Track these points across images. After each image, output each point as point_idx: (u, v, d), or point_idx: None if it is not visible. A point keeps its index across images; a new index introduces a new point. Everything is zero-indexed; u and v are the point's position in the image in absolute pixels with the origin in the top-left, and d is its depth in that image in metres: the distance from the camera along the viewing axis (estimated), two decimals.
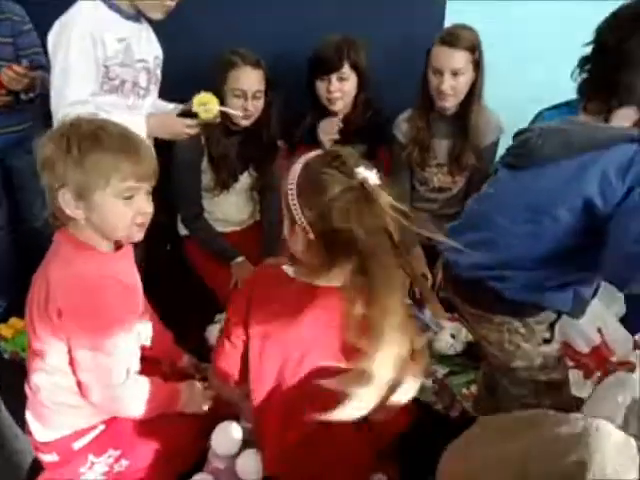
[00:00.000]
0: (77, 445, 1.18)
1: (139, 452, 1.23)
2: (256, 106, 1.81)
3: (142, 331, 1.26)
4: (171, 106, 1.64)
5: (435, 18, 2.24)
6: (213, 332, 1.64)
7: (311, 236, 0.95)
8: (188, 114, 1.51)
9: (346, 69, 1.86)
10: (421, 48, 1.88)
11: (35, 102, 1.73)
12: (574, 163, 1.03)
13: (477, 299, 1.20)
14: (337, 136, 1.92)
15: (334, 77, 1.86)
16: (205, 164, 1.88)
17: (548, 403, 1.16)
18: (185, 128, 1.50)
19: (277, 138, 1.96)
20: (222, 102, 1.73)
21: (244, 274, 1.84)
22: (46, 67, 1.62)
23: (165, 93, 1.75)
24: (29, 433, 1.21)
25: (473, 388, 1.67)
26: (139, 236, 1.12)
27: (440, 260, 1.43)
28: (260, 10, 2.04)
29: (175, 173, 1.87)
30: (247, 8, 2.04)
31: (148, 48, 1.56)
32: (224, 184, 1.91)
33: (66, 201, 1.03)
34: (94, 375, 1.10)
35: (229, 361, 1.14)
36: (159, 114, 1.55)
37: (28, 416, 1.20)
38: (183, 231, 2.03)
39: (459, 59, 1.77)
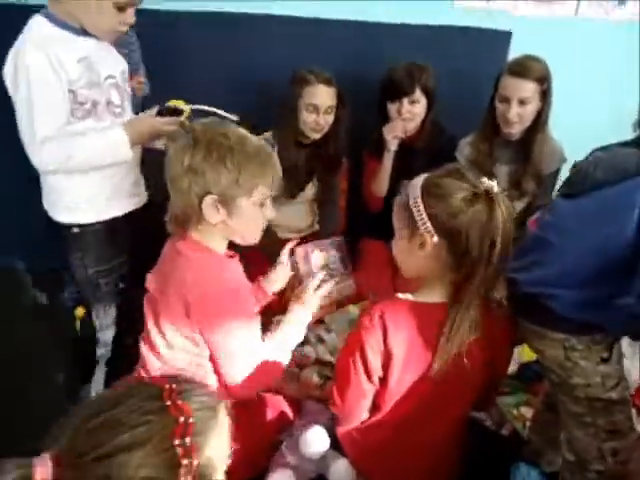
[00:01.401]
0: None
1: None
2: (327, 121, 1.93)
3: None
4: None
5: (500, 49, 2.33)
6: None
7: (435, 239, 1.06)
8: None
9: (417, 93, 1.96)
10: (486, 77, 1.96)
11: None
12: (629, 184, 1.08)
13: (535, 315, 1.24)
14: (402, 135, 2.01)
15: (406, 100, 1.96)
16: None
17: (603, 422, 1.19)
18: (164, 126, 1.41)
19: (343, 153, 2.07)
20: (296, 115, 1.90)
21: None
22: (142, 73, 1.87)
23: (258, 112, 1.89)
24: None
25: (523, 410, 1.69)
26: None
27: (503, 278, 1.48)
28: (338, 33, 2.18)
29: None
30: (327, 32, 2.18)
31: (113, 63, 1.46)
32: (291, 193, 2.02)
33: (210, 206, 1.10)
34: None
35: (362, 402, 1.22)
36: (133, 120, 1.45)
37: None
38: None
39: (527, 89, 1.83)
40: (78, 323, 1.91)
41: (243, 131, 1.16)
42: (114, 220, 1.51)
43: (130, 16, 1.35)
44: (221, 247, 1.21)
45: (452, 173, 1.09)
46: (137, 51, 1.92)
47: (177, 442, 0.66)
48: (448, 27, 2.25)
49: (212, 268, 1.15)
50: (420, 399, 1.18)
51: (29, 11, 1.32)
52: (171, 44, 2.04)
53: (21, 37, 1.27)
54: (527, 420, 1.64)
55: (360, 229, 2.23)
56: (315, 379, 1.57)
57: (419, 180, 1.11)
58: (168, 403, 0.68)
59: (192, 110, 1.43)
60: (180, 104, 1.43)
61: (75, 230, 1.46)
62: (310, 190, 2.11)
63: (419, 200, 1.07)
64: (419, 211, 1.07)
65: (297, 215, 2.15)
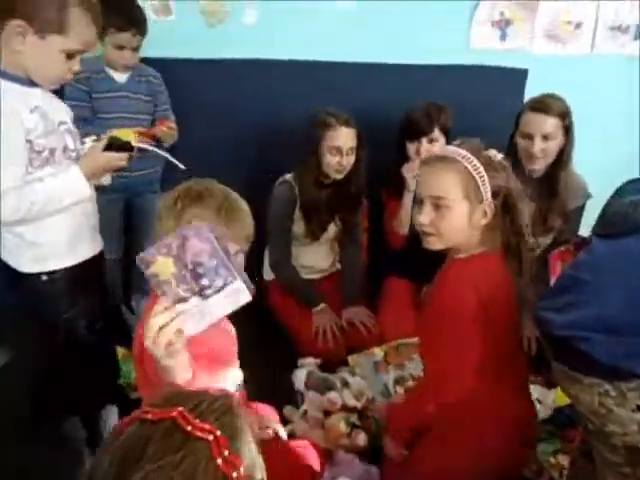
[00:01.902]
0: None
1: None
2: (349, 161, 1.94)
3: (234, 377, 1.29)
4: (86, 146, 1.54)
5: (517, 87, 2.35)
6: (300, 376, 1.69)
7: (492, 207, 1.18)
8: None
9: (436, 132, 1.96)
10: (503, 115, 1.97)
11: None
12: None
13: (568, 358, 1.19)
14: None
15: (425, 140, 1.96)
16: (297, 214, 2.01)
17: None
18: (120, 162, 1.40)
19: (363, 192, 2.07)
20: (319, 157, 1.92)
21: (325, 321, 1.93)
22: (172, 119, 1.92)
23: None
24: None
25: (560, 458, 1.61)
26: None
27: (533, 318, 1.44)
28: (356, 76, 2.21)
29: (269, 221, 2.00)
30: (345, 75, 2.21)
31: (62, 109, 1.44)
32: (314, 234, 2.03)
33: None
34: None
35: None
36: (87, 156, 1.41)
37: None
38: (268, 276, 2.13)
39: (550, 124, 1.82)
40: None
41: (216, 185, 1.15)
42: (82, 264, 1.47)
43: (76, 63, 1.32)
44: None
45: (479, 146, 1.21)
46: (165, 97, 1.97)
47: (220, 461, 0.63)
48: (465, 66, 2.27)
49: None
50: None
51: None
52: (195, 90, 2.10)
53: None
54: (564, 468, 1.55)
55: (383, 267, 2.19)
56: (342, 427, 1.51)
57: (468, 151, 1.18)
58: (188, 429, 0.64)
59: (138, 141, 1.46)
60: (127, 135, 1.42)
61: (44, 278, 1.42)
62: (332, 230, 2.10)
63: (482, 170, 1.16)
64: (484, 182, 1.16)
65: (319, 255, 2.14)
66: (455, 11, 2.23)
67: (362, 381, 1.70)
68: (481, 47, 2.29)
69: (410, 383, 1.72)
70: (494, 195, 1.17)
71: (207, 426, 0.65)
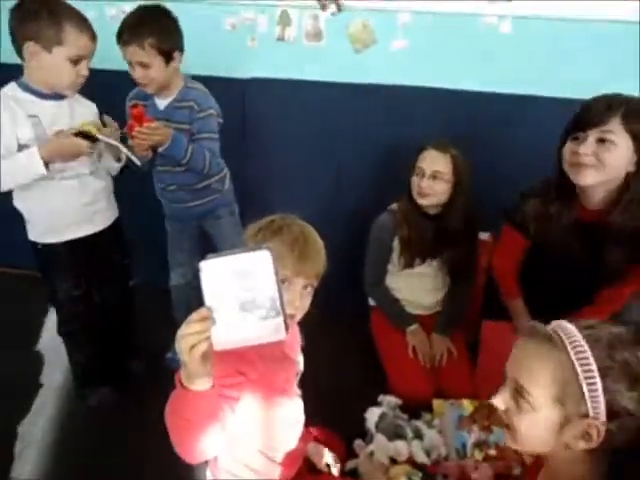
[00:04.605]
0: None
1: None
2: (432, 186, 1.85)
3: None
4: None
5: None
6: (374, 414, 1.65)
7: (602, 431, 0.85)
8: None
9: (614, 126, 1.40)
10: None
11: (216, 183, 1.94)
12: None
13: None
14: None
15: (592, 133, 1.42)
16: (396, 243, 1.98)
17: None
18: (86, 149, 1.58)
19: (459, 226, 1.91)
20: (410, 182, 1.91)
21: (418, 341, 1.94)
22: (211, 149, 1.81)
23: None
24: None
25: None
26: None
27: None
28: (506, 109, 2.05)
29: (368, 246, 2.03)
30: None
31: (70, 120, 1.64)
32: (407, 263, 1.97)
33: None
34: None
35: None
36: (51, 140, 1.58)
37: (208, 474, 1.33)
38: (372, 302, 2.13)
39: None
40: None
41: (297, 222, 1.17)
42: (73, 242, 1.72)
43: (84, 68, 1.59)
44: None
45: (618, 339, 0.87)
46: (202, 123, 1.81)
47: None
48: None
49: None
50: None
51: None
52: (312, 112, 2.17)
53: None
54: None
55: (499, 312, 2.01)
56: None
57: (589, 340, 0.87)
58: None
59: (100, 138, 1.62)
60: (91, 128, 1.60)
61: (39, 247, 1.73)
62: (434, 265, 2.00)
63: (596, 376, 0.85)
64: (595, 393, 0.85)
65: (423, 290, 2.05)
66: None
67: (438, 436, 1.60)
68: None
69: (492, 452, 1.58)
70: (612, 416, 0.84)
71: None
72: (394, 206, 1.99)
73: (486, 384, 1.78)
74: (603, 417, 0.84)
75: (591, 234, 1.55)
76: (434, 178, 1.84)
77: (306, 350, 2.18)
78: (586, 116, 1.44)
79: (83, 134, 1.59)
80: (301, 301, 1.14)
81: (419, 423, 1.64)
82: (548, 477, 0.95)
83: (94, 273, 1.83)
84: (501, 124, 2.04)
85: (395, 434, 1.57)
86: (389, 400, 1.72)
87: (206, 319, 0.80)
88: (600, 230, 1.52)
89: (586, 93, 1.52)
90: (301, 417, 1.35)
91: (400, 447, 1.53)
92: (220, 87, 1.94)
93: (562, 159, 1.51)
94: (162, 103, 1.82)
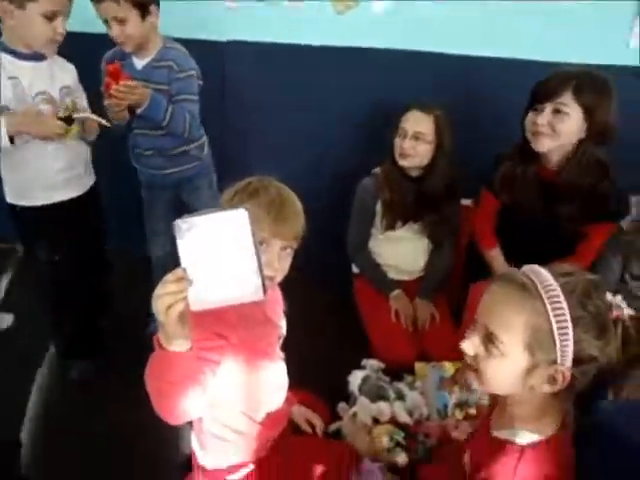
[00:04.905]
0: (230, 479, 1.30)
1: None
2: (414, 147, 1.83)
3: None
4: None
5: None
6: (357, 377, 1.67)
7: (567, 376, 0.88)
8: None
9: (567, 99, 1.55)
10: None
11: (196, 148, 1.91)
12: None
13: None
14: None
15: (549, 106, 1.58)
16: (379, 206, 1.98)
17: None
18: (56, 129, 1.56)
19: (449, 188, 1.91)
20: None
21: (401, 305, 1.95)
22: (191, 111, 1.76)
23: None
24: (192, 453, 1.36)
25: None
26: None
27: None
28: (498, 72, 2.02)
29: (352, 210, 2.02)
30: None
31: (50, 81, 1.62)
32: (388, 224, 1.97)
33: None
34: None
35: None
36: (30, 111, 1.57)
37: (193, 438, 1.35)
38: (355, 269, 2.13)
39: None
40: None
41: (274, 184, 1.17)
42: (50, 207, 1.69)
43: (60, 25, 1.56)
44: None
45: (591, 286, 0.88)
46: (182, 84, 1.77)
47: None
48: (623, 68, 1.91)
49: None
50: None
51: None
52: (294, 75, 2.13)
53: None
54: None
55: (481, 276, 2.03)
56: (384, 442, 1.48)
57: (565, 290, 0.87)
58: None
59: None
60: (71, 112, 1.60)
61: (17, 210, 1.72)
62: (414, 228, 2.00)
63: (569, 327, 0.86)
64: (565, 342, 0.86)
65: (405, 255, 2.05)
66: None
67: (419, 397, 1.63)
68: None
69: (471, 411, 1.61)
70: (577, 362, 0.86)
71: None
72: (377, 170, 1.98)
73: None
74: (569, 363, 0.86)
75: (549, 192, 1.70)
76: (416, 139, 1.83)
77: (290, 315, 2.20)
78: (543, 90, 1.61)
79: (63, 118, 1.57)
80: (280, 263, 1.13)
81: (401, 385, 1.66)
82: (507, 412, 0.97)
83: (71, 238, 1.80)
84: (489, 89, 2.02)
85: (378, 396, 1.59)
86: (372, 364, 1.73)
87: (182, 279, 0.79)
88: (557, 188, 1.69)
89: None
90: (284, 380, 1.36)
91: (383, 408, 1.55)
92: (199, 50, 1.87)
93: (525, 128, 1.67)
94: (140, 63, 1.77)
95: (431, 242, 2.04)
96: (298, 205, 1.16)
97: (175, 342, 0.85)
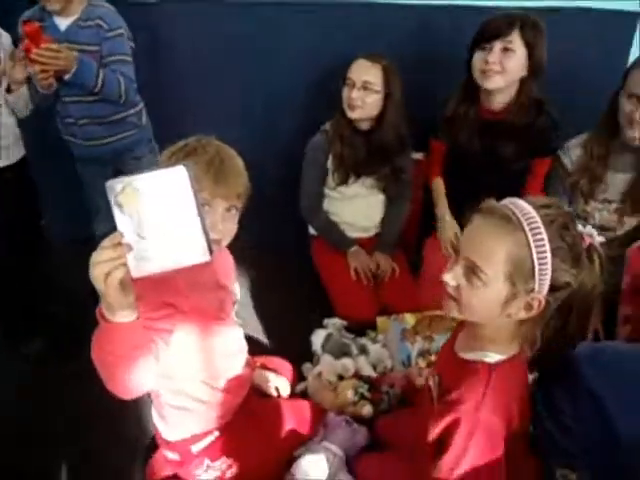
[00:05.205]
0: (195, 448, 1.27)
1: (249, 462, 1.30)
2: (362, 98, 1.77)
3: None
4: None
5: (624, 35, 1.94)
6: (319, 336, 1.67)
7: (543, 303, 0.92)
8: None
9: (514, 38, 1.63)
10: (607, 68, 1.68)
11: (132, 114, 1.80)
12: None
13: None
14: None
15: (498, 44, 1.63)
16: (330, 162, 1.93)
17: None
18: (18, 75, 1.54)
19: (400, 139, 1.88)
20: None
21: (360, 262, 1.93)
22: (125, 74, 1.66)
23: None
24: (155, 429, 1.33)
25: None
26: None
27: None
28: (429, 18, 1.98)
29: (303, 169, 1.96)
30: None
31: None
32: (341, 179, 1.92)
33: None
34: None
35: None
36: None
37: (154, 414, 1.33)
38: (311, 231, 2.09)
39: None
40: None
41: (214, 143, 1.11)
42: None
43: None
44: None
45: (567, 219, 0.91)
46: (112, 44, 1.66)
47: None
48: (565, 8, 1.88)
49: None
50: None
51: None
52: (235, 31, 2.00)
53: None
54: None
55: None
56: (349, 396, 1.49)
57: (545, 223, 0.88)
58: None
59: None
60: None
61: None
62: (371, 183, 1.96)
63: (548, 257, 0.88)
64: (544, 272, 0.88)
65: (360, 211, 2.02)
66: None
67: (382, 350, 1.65)
68: None
69: (433, 358, 1.64)
70: (553, 289, 0.89)
71: None
72: (327, 126, 1.92)
73: (427, 297, 1.84)
74: (546, 291, 0.89)
75: (491, 131, 1.78)
76: (365, 89, 1.77)
77: (249, 281, 2.17)
78: (491, 29, 1.66)
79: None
80: (224, 224, 1.08)
81: (364, 340, 1.68)
82: (477, 336, 1.00)
83: (2, 212, 1.69)
84: (444, 40, 1.96)
85: (341, 352, 1.60)
86: (334, 322, 1.74)
87: (119, 244, 0.75)
88: (497, 128, 1.77)
89: None
90: (242, 345, 1.34)
91: (346, 363, 1.56)
92: (128, 11, 1.74)
93: (471, 68, 1.72)
94: (63, 23, 1.63)
95: (386, 196, 2.02)
96: (239, 163, 1.12)
97: (119, 313, 0.81)
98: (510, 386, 0.96)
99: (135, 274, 0.76)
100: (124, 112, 1.76)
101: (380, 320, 1.80)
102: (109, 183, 0.74)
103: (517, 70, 1.68)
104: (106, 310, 0.81)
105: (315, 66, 2.05)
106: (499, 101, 1.75)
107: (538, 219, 0.87)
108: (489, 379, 0.94)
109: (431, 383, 1.03)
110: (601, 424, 0.99)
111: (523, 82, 1.71)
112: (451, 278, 0.95)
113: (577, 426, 1.04)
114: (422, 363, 1.64)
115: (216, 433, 1.29)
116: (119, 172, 1.87)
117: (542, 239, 0.86)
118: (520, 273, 0.88)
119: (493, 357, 0.96)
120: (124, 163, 1.86)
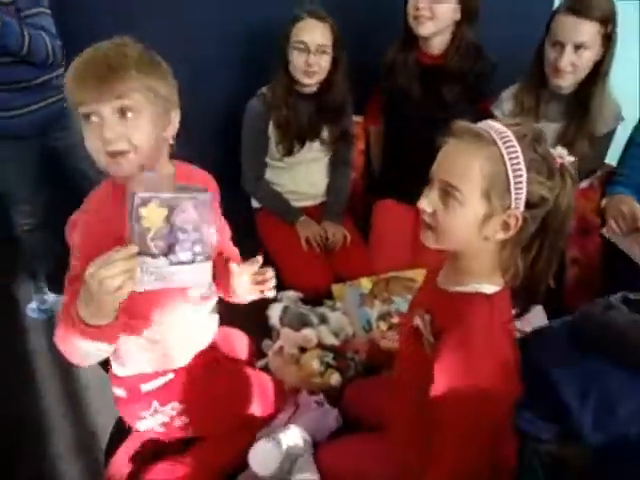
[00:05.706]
0: (145, 388, 1.18)
1: (201, 416, 1.22)
2: (319, 62, 1.68)
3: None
4: None
5: None
6: (276, 310, 1.58)
7: (519, 221, 0.90)
8: None
9: None
10: (535, 16, 1.65)
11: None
12: None
13: None
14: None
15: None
16: (271, 129, 1.82)
17: None
18: None
19: (346, 101, 1.82)
20: (287, 61, 1.71)
21: (310, 232, 1.85)
22: (47, 29, 1.49)
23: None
24: (110, 368, 1.22)
25: None
26: (115, 169, 0.93)
27: None
28: None
29: (242, 138, 1.85)
30: None
31: None
32: (287, 149, 1.82)
33: None
34: None
35: None
36: None
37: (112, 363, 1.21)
38: (255, 204, 1.99)
39: (586, 31, 1.50)
40: None
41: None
42: None
43: None
44: None
45: (539, 135, 0.90)
46: None
47: None
48: None
49: None
50: None
51: None
52: None
53: None
54: None
55: (382, 190, 2.00)
56: (315, 365, 1.44)
57: (518, 138, 0.87)
58: None
59: None
60: None
61: None
62: (317, 148, 1.88)
63: (523, 168, 0.86)
64: (519, 185, 0.87)
65: (306, 179, 1.93)
66: None
67: (342, 317, 1.60)
68: None
69: (394, 320, 1.61)
70: (529, 206, 0.88)
71: None
72: (264, 89, 1.80)
73: (381, 262, 1.81)
74: (522, 207, 0.87)
75: (430, 76, 1.80)
76: (320, 53, 1.67)
77: None
78: None
79: None
80: (116, 129, 0.90)
81: (322, 309, 1.61)
82: (461, 269, 0.97)
83: None
84: None
85: (301, 324, 1.53)
86: (289, 295, 1.65)
87: (132, 257, 0.77)
88: (437, 72, 1.79)
89: None
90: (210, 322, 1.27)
91: (308, 334, 1.49)
92: None
93: (406, 14, 1.73)
94: None
95: (333, 160, 1.94)
96: (122, 59, 0.91)
97: (103, 320, 0.84)
98: (506, 316, 0.96)
99: (140, 288, 0.80)
100: (47, 74, 1.55)
101: (336, 288, 1.74)
102: (136, 194, 0.76)
103: (448, 15, 1.70)
104: (89, 316, 0.83)
105: (247, 29, 1.92)
106: (435, 46, 1.77)
107: (510, 133, 0.87)
108: (492, 308, 0.92)
109: (420, 325, 0.98)
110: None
111: (458, 26, 1.74)
112: (427, 204, 0.92)
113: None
114: (383, 326, 1.61)
115: (170, 375, 1.19)
116: (49, 149, 1.65)
117: (516, 151, 0.86)
118: (496, 188, 0.87)
119: (489, 288, 0.94)
120: (50, 134, 1.63)
